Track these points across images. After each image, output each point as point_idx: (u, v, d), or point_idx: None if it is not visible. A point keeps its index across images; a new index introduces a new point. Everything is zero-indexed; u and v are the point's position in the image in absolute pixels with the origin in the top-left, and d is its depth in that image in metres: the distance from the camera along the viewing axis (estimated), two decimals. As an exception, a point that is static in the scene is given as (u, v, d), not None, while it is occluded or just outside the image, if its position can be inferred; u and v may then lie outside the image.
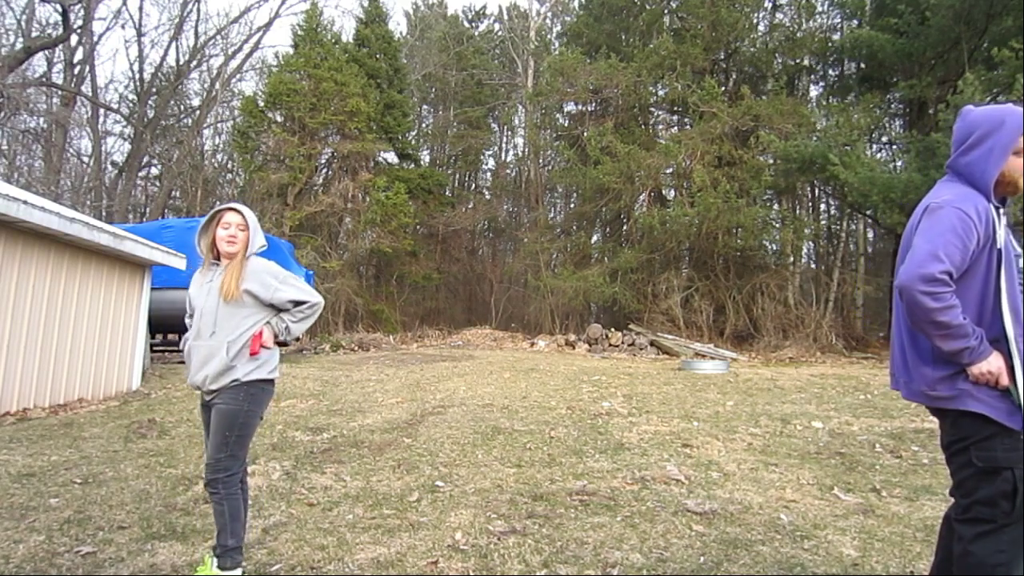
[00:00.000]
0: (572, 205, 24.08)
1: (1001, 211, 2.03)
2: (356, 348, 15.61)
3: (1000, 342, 1.96)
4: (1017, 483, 1.88)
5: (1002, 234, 1.97)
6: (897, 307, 2.22)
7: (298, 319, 2.78)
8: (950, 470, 2.09)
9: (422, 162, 26.37)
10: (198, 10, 33.31)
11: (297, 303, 2.78)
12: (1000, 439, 1.92)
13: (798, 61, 18.40)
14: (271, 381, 2.80)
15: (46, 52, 22.58)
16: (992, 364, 1.92)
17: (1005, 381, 1.92)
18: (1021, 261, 2.03)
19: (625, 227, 21.11)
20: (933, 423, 2.23)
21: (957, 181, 2.11)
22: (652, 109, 20.63)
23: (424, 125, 29.51)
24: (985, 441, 1.94)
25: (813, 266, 19.55)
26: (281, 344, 2.83)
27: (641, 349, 14.80)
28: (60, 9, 19.40)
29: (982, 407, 1.95)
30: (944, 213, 1.99)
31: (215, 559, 2.68)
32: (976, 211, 1.97)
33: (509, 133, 30.02)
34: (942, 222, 1.98)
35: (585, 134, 19.12)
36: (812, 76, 19.39)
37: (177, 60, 26.01)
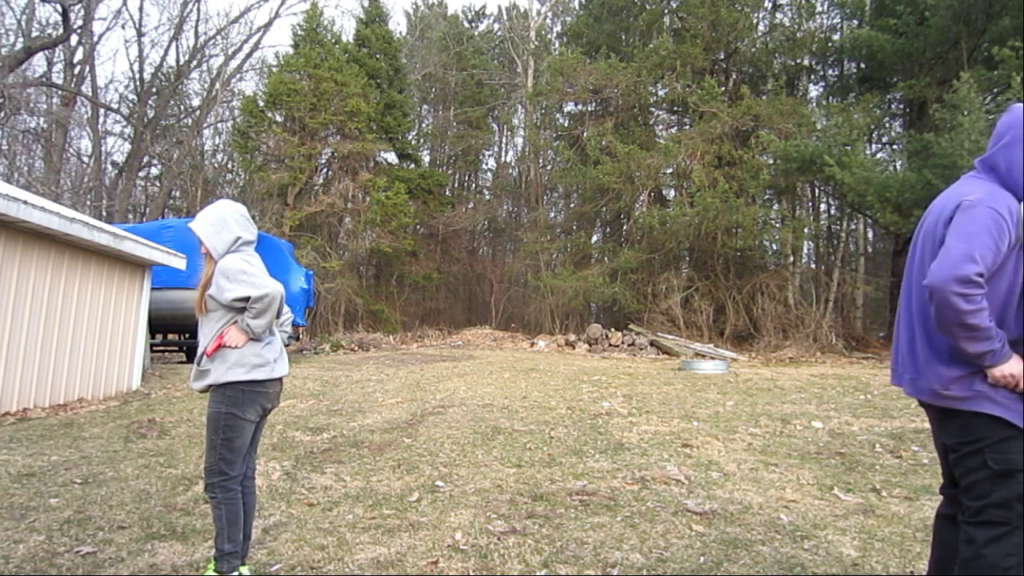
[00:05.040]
0: (572, 205, 24.08)
1: None
2: (356, 348, 15.61)
3: (1018, 345, 1.93)
4: None
5: None
6: (908, 303, 2.17)
7: (253, 315, 2.63)
8: (958, 472, 2.05)
9: (422, 162, 26.37)
10: (198, 10, 33.25)
11: (247, 299, 2.65)
12: (1016, 442, 1.89)
13: (798, 61, 18.38)
14: (257, 382, 2.69)
15: (46, 52, 22.57)
16: (1014, 367, 1.90)
17: None
18: None
19: (625, 227, 21.11)
20: (933, 423, 2.20)
21: (986, 178, 2.06)
22: (652, 109, 20.62)
23: (424, 125, 29.51)
24: (1002, 443, 1.91)
25: (813, 266, 19.55)
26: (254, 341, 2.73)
27: (641, 349, 14.80)
28: (60, 9, 19.39)
29: (1000, 410, 1.91)
30: (978, 212, 1.92)
31: (213, 561, 2.69)
32: (1009, 211, 1.92)
33: (509, 133, 30.04)
34: (976, 221, 1.91)
35: (585, 134, 19.12)
36: (812, 76, 19.38)
37: (177, 60, 26.04)
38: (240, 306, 2.66)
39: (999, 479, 1.91)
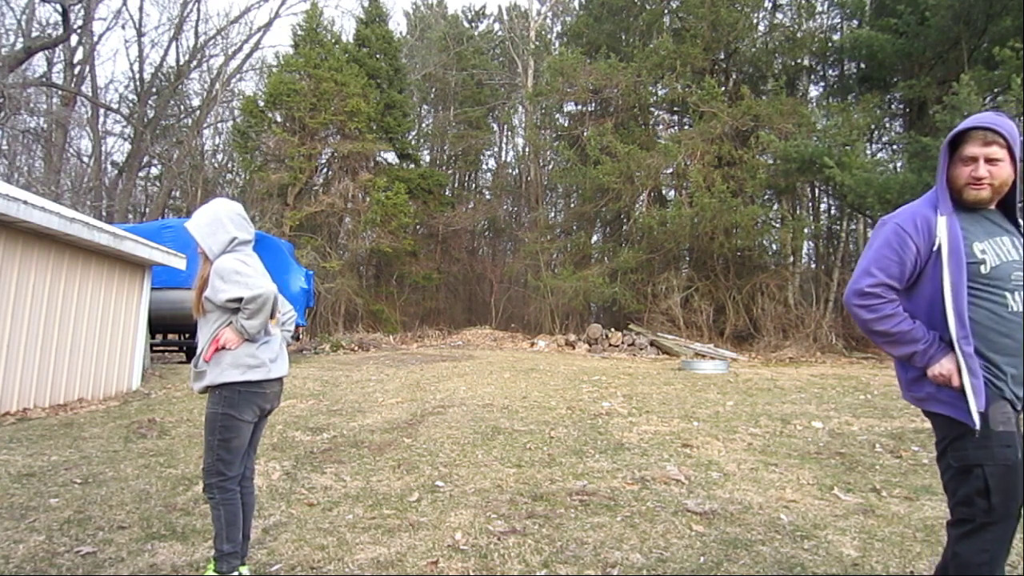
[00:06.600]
0: (572, 205, 24.08)
1: (948, 217, 2.04)
2: (356, 348, 15.61)
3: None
4: (987, 479, 1.91)
5: (945, 239, 2.01)
6: None
7: (247, 316, 2.61)
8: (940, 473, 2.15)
9: (422, 162, 26.38)
10: (198, 10, 33.29)
11: (240, 300, 2.63)
12: (970, 438, 1.95)
13: (798, 61, 18.38)
14: (253, 383, 2.68)
15: (46, 52, 22.57)
16: (944, 366, 1.98)
17: (956, 382, 1.95)
18: (983, 268, 2.00)
19: (625, 227, 21.11)
20: (932, 424, 2.26)
21: (939, 191, 2.15)
22: (652, 109, 20.62)
23: (424, 125, 29.51)
24: (957, 441, 1.99)
25: (813, 266, 19.53)
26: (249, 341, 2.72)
27: (641, 349, 14.79)
28: (60, 9, 19.39)
29: (945, 408, 2.00)
30: (883, 229, 2.12)
31: (213, 561, 2.69)
32: (914, 223, 2.05)
33: (509, 133, 30.06)
34: (878, 238, 2.12)
35: (585, 134, 19.12)
36: (812, 76, 19.37)
37: (177, 60, 26.04)
38: (234, 307, 2.65)
39: (961, 476, 1.98)
